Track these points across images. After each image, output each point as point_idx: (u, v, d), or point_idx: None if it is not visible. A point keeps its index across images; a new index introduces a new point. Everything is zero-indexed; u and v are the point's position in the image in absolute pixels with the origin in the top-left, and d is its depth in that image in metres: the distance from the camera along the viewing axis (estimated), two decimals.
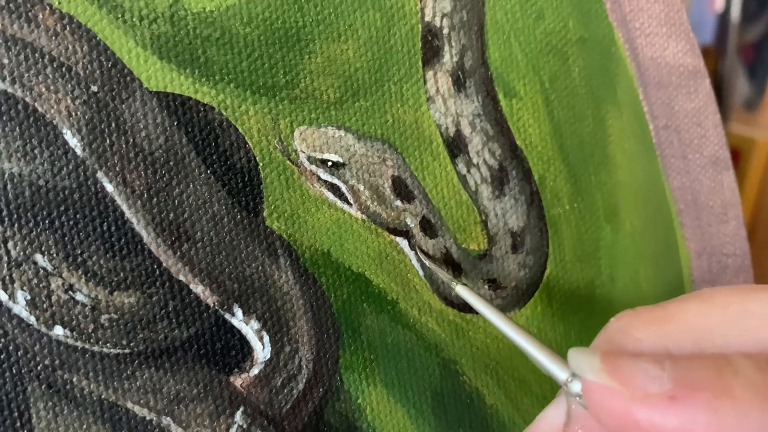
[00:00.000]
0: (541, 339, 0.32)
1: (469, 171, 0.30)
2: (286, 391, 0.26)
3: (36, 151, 0.23)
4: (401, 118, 0.29)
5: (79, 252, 0.24)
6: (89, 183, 0.24)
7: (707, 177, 0.38)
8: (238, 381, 0.26)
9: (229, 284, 0.25)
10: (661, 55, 0.36)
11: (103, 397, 0.24)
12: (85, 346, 0.24)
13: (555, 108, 0.32)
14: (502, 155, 0.31)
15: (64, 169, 0.23)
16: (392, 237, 0.29)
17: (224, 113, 0.26)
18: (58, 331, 0.23)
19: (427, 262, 0.29)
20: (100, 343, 0.24)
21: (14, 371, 0.23)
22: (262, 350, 0.26)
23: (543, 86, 0.32)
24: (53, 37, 0.23)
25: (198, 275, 0.25)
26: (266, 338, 0.26)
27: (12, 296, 0.23)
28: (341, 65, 0.28)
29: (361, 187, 0.28)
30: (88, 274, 0.24)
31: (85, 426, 0.24)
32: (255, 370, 0.26)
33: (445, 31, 0.30)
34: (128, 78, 0.24)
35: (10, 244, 0.23)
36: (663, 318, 0.20)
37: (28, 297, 0.23)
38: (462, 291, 0.28)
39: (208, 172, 0.25)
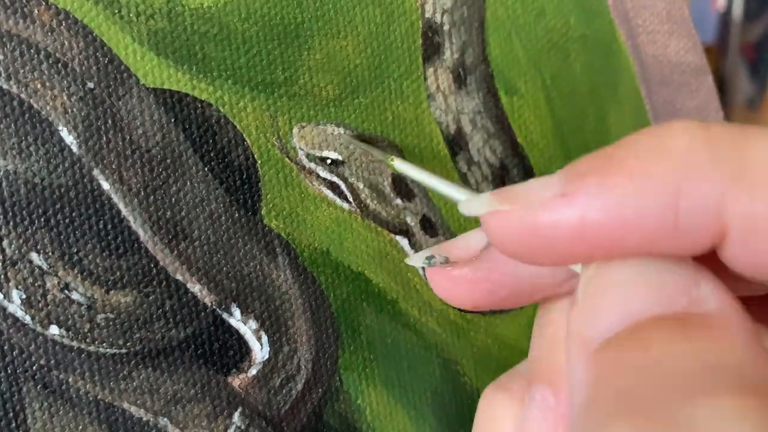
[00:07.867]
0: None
1: (469, 169, 0.30)
2: (284, 391, 0.26)
3: (31, 149, 0.23)
4: (401, 115, 0.29)
5: (75, 250, 0.23)
6: (85, 181, 0.23)
7: None
8: (236, 381, 0.26)
9: (227, 283, 0.25)
10: (663, 53, 0.36)
11: (99, 397, 0.24)
12: (81, 346, 0.23)
13: (556, 105, 0.32)
14: (504, 153, 0.31)
15: (60, 166, 0.23)
16: (392, 236, 0.28)
17: (222, 110, 0.25)
18: (54, 330, 0.23)
19: (359, 144, 0.27)
20: (96, 342, 0.24)
21: (9, 371, 0.23)
22: (260, 350, 0.26)
23: (544, 83, 0.32)
24: (49, 33, 0.23)
25: (195, 274, 0.25)
26: (264, 338, 0.26)
27: (7, 295, 0.23)
28: (340, 62, 0.27)
29: (361, 185, 0.28)
30: (84, 273, 0.23)
31: (81, 427, 0.24)
32: (253, 371, 0.26)
33: (446, 27, 0.29)
34: (125, 74, 0.24)
35: (5, 243, 0.22)
36: None
37: (24, 296, 0.23)
38: (398, 164, 0.26)
39: (206, 169, 0.25)
